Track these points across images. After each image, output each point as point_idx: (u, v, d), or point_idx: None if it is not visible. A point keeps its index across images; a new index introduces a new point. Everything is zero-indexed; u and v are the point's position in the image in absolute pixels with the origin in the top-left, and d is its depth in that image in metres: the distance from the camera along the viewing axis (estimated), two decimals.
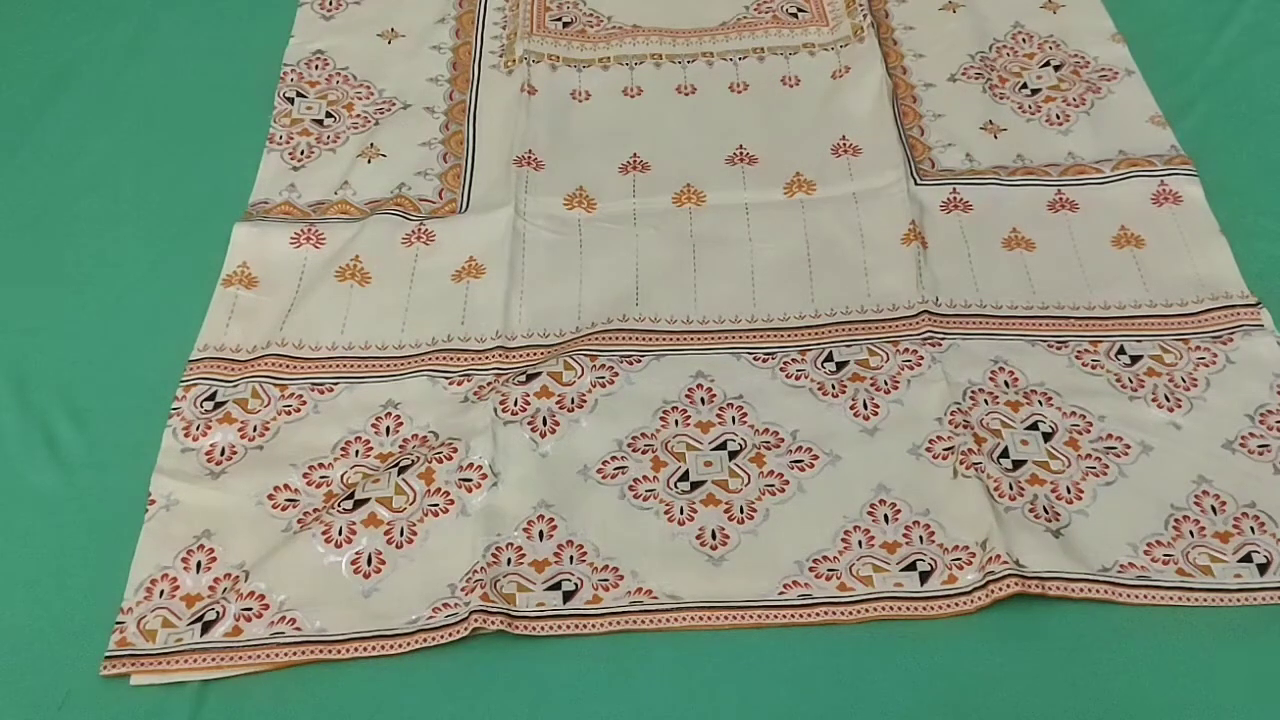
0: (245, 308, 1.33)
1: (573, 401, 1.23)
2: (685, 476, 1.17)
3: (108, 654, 1.04)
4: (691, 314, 1.32)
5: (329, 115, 1.58)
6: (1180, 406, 1.21)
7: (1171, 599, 1.06)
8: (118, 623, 1.06)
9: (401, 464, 1.17)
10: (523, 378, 1.25)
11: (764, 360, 1.27)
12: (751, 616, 1.06)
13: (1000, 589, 1.05)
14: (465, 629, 1.04)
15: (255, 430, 1.22)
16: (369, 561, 1.11)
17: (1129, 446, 1.17)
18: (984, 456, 1.15)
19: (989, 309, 1.31)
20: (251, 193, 1.47)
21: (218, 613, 1.07)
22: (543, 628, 1.06)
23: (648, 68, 1.65)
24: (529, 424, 1.21)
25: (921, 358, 1.26)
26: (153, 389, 1.25)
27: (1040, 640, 1.04)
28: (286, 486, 1.17)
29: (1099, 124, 1.52)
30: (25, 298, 1.37)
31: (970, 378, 1.24)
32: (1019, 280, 1.34)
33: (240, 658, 1.04)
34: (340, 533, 1.12)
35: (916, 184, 1.45)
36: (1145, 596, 1.06)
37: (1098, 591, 1.06)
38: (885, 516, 1.13)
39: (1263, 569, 1.07)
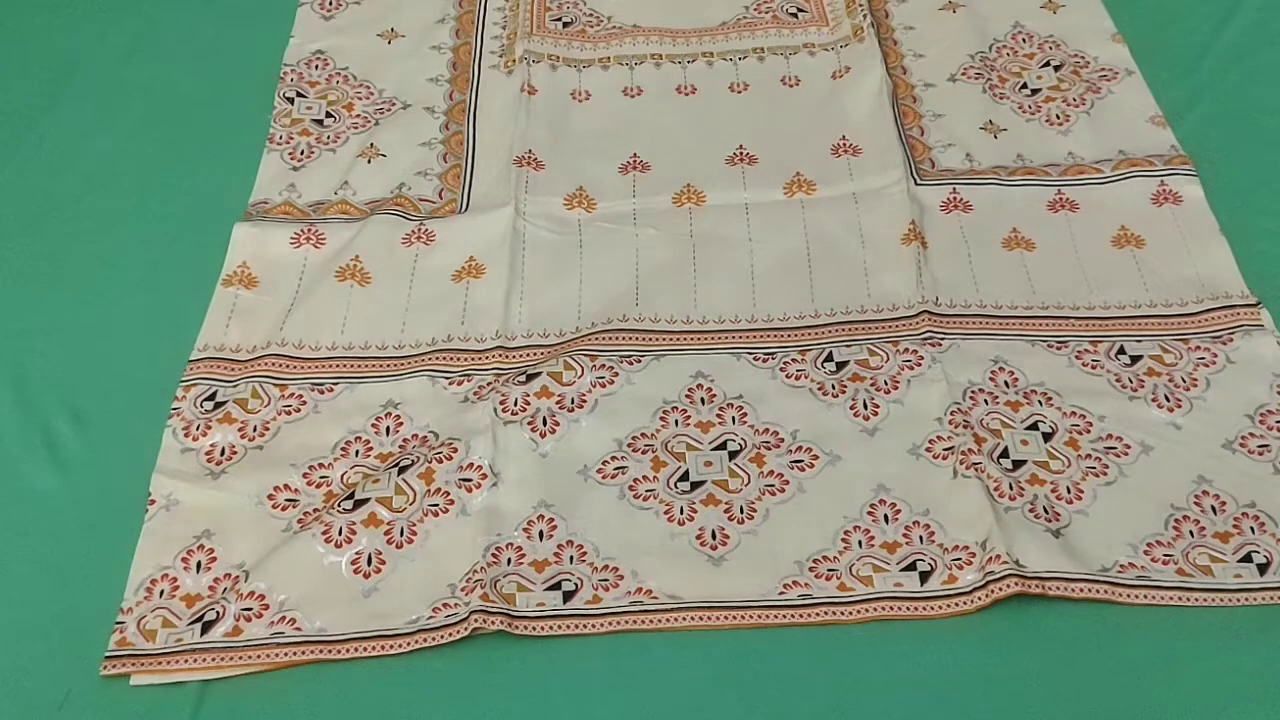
0: (245, 308, 1.33)
1: (573, 401, 1.23)
2: (685, 476, 1.17)
3: (108, 654, 1.04)
4: (691, 314, 1.32)
5: (329, 115, 1.58)
6: (1180, 406, 1.21)
7: (1171, 599, 1.06)
8: (118, 623, 1.06)
9: (401, 464, 1.17)
10: (523, 378, 1.25)
11: (764, 360, 1.27)
12: (751, 616, 1.06)
13: (1000, 589, 1.05)
14: (465, 629, 1.04)
15: (255, 430, 1.22)
16: (369, 561, 1.11)
17: (1129, 446, 1.17)
18: (984, 456, 1.15)
19: (989, 309, 1.31)
20: (251, 193, 1.47)
21: (218, 613, 1.07)
22: (543, 628, 1.06)
23: (648, 68, 1.65)
24: (529, 424, 1.21)
25: (921, 358, 1.26)
26: (153, 389, 1.25)
27: (1040, 640, 1.04)
28: (286, 486, 1.17)
29: (1099, 124, 1.52)
30: (25, 298, 1.37)
31: (970, 378, 1.24)
32: (1019, 280, 1.34)
33: (240, 658, 1.04)
34: (340, 533, 1.12)
35: (916, 184, 1.45)
36: (1145, 596, 1.06)
37: (1098, 591, 1.06)
38: (885, 516, 1.13)
39: (1263, 569, 1.07)
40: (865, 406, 1.22)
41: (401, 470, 1.17)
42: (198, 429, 1.21)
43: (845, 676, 1.02)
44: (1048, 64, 1.62)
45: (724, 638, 1.05)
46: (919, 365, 1.25)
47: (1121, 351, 1.26)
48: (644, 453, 1.19)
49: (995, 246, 1.38)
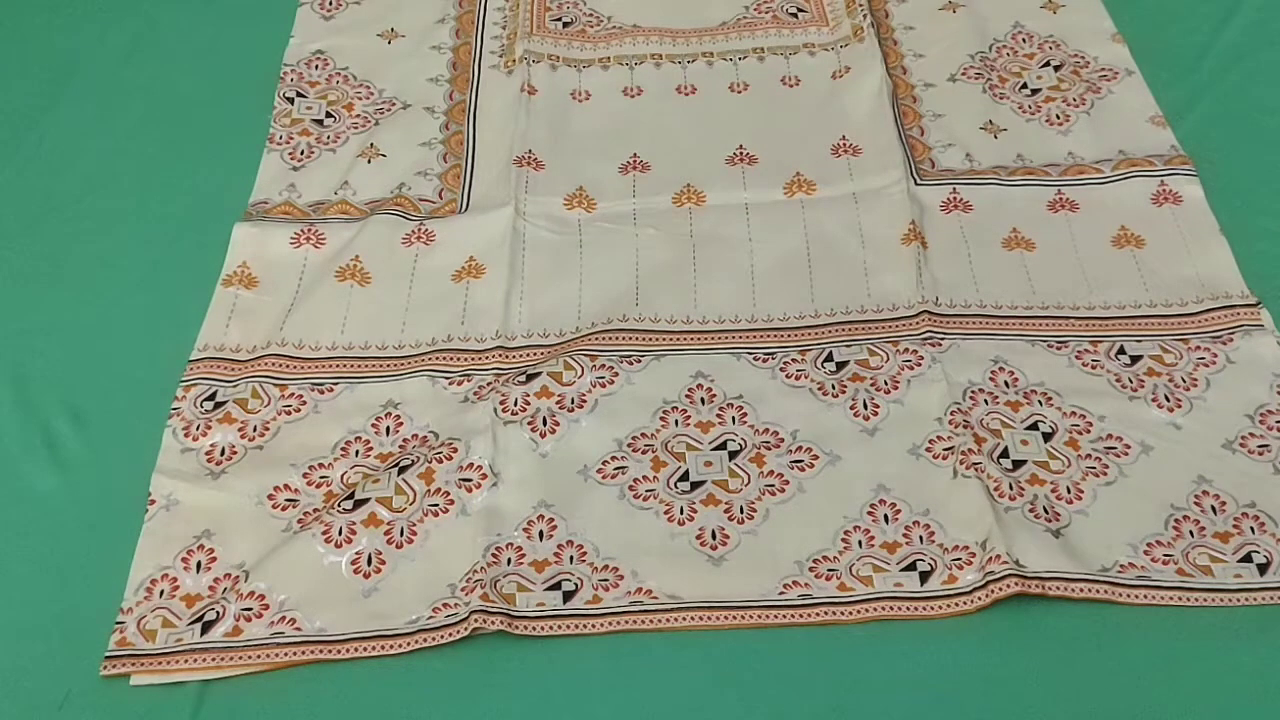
0: (245, 308, 1.33)
1: (573, 401, 1.23)
2: (685, 476, 1.17)
3: (108, 654, 1.04)
4: (691, 314, 1.32)
5: (329, 115, 1.58)
6: (1180, 406, 1.21)
7: (1171, 599, 1.06)
8: (118, 623, 1.06)
9: (401, 464, 1.17)
10: (523, 378, 1.25)
11: (764, 360, 1.27)
12: (751, 616, 1.06)
13: (1000, 589, 1.05)
14: (465, 629, 1.04)
15: (255, 430, 1.22)
16: (369, 561, 1.11)
17: (1129, 446, 1.17)
18: (984, 456, 1.15)
19: (989, 309, 1.31)
20: (251, 193, 1.47)
21: (218, 613, 1.07)
22: (543, 628, 1.06)
23: (648, 68, 1.65)
24: (529, 424, 1.21)
25: (921, 358, 1.26)
26: (153, 389, 1.25)
27: (1040, 640, 1.04)
28: (286, 486, 1.17)
29: (1099, 124, 1.52)
30: (25, 298, 1.37)
31: (970, 378, 1.24)
32: (1019, 280, 1.34)
33: (240, 658, 1.04)
34: (340, 533, 1.12)
35: (916, 184, 1.45)
36: (1145, 596, 1.06)
37: (1098, 591, 1.06)
38: (885, 516, 1.13)
39: (1263, 569, 1.07)
40: (865, 406, 1.22)
41: (401, 470, 1.17)
42: (198, 429, 1.21)
43: (845, 676, 1.02)
44: (1048, 64, 1.62)
45: (724, 638, 1.05)
46: (919, 365, 1.25)
47: (1121, 351, 1.26)
48: (644, 453, 1.19)
49: (995, 246, 1.38)
